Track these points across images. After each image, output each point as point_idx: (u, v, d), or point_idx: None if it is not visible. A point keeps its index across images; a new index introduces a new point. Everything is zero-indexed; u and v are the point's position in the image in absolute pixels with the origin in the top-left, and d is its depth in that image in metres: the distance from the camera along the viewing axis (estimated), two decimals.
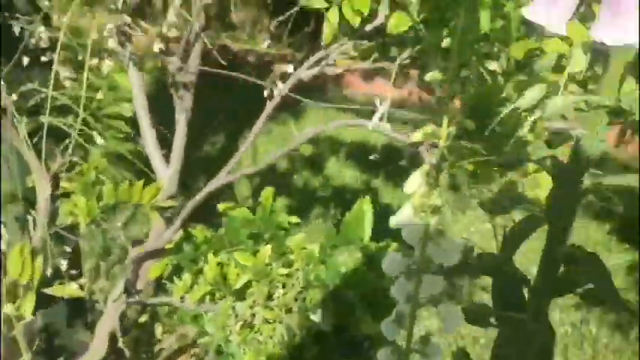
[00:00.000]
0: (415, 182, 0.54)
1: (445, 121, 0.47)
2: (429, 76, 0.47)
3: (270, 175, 2.57)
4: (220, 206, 1.10)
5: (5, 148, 1.31)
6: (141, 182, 1.04)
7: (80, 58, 1.21)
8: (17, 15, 1.19)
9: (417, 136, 0.52)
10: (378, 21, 0.93)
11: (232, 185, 2.34)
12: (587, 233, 2.44)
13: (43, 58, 1.26)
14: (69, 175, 1.16)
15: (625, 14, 0.38)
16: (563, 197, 0.56)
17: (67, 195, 1.24)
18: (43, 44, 1.22)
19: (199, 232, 1.19)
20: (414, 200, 0.52)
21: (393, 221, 0.54)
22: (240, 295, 1.09)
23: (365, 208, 1.14)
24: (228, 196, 1.68)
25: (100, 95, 1.27)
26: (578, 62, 0.53)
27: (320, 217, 2.51)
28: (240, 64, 2.93)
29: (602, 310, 2.05)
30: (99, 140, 1.07)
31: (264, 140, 2.81)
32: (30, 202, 1.32)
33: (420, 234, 0.52)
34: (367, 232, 1.13)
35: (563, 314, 2.08)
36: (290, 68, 0.97)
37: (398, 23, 0.90)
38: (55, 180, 1.30)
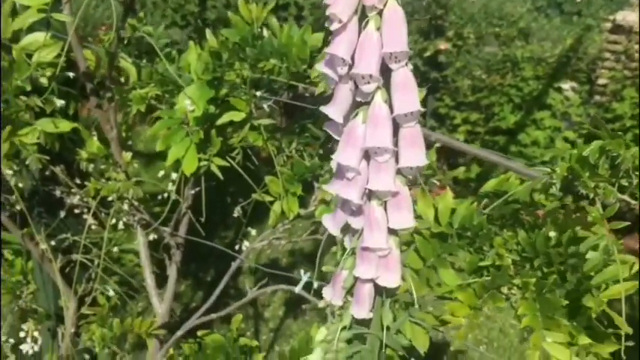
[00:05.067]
0: (323, 334, 0.91)
1: None
2: None
3: None
4: (199, 332, 1.48)
5: (44, 277, 1.71)
6: (140, 318, 1.43)
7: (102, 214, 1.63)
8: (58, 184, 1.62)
9: (324, 302, 0.88)
10: (310, 209, 1.33)
11: None
12: None
13: (76, 211, 1.68)
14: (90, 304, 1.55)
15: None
16: None
17: (86, 316, 1.63)
18: (77, 203, 1.64)
19: (187, 347, 1.57)
20: (321, 348, 0.88)
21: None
22: None
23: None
24: None
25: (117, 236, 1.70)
26: None
27: None
28: None
29: None
30: (111, 292, 1.46)
31: None
32: (60, 319, 1.71)
33: None
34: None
35: None
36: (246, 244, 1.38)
37: (322, 211, 1.30)
38: (81, 302, 1.69)
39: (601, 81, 4.31)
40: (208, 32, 1.18)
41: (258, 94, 1.22)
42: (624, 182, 0.84)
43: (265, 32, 1.16)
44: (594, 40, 4.30)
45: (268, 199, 1.33)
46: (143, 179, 1.48)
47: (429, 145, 1.26)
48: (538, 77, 4.05)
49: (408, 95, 0.63)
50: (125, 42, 1.39)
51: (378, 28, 0.62)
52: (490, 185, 1.15)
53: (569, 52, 4.17)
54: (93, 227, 1.70)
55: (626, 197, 0.85)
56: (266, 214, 1.37)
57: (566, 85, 4.12)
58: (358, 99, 0.66)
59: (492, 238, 1.04)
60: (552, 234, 0.99)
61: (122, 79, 1.44)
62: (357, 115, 0.66)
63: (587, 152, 0.81)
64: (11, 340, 1.74)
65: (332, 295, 0.80)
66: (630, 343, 0.91)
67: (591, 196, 0.85)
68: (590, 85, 4.24)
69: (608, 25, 4.74)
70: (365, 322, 0.84)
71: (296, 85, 1.22)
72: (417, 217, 1.11)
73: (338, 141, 0.69)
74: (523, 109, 4.05)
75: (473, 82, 4.21)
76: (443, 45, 4.19)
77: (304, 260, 3.63)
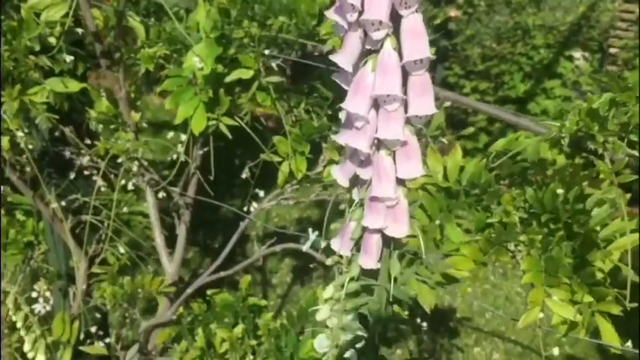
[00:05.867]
0: (330, 291, 0.92)
1: None
2: None
3: None
4: (209, 292, 1.50)
5: (55, 238, 1.73)
6: (151, 276, 1.45)
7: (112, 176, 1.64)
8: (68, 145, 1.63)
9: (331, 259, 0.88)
10: (317, 170, 1.34)
11: None
12: None
13: (85, 172, 1.69)
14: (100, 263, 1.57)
15: None
16: None
17: (97, 275, 1.65)
18: (86, 164, 1.65)
19: (197, 306, 1.59)
20: (328, 305, 0.89)
21: (317, 317, 0.91)
22: (223, 358, 1.48)
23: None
24: None
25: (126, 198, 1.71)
26: None
27: None
28: None
29: None
30: (121, 250, 1.48)
31: None
32: (71, 278, 1.74)
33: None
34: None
35: None
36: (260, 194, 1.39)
37: (330, 172, 1.30)
38: (91, 262, 1.71)
39: (613, 50, 4.26)
40: None
41: (266, 52, 1.21)
42: (634, 137, 0.84)
43: None
44: (607, 8, 4.23)
45: (276, 159, 1.33)
46: (152, 140, 1.49)
47: (437, 105, 1.26)
48: (549, 45, 4.01)
49: (418, 42, 0.63)
50: (133, 1, 1.39)
51: None
52: (499, 144, 1.15)
53: (582, 21, 4.11)
54: (102, 189, 1.71)
55: (635, 152, 0.85)
56: (274, 177, 1.37)
57: (578, 54, 4.08)
58: (367, 47, 0.66)
59: (500, 196, 1.04)
60: (560, 191, 0.99)
61: (129, 39, 1.44)
62: (366, 62, 0.66)
63: (597, 105, 0.80)
64: (23, 300, 1.77)
65: (340, 246, 0.81)
66: (635, 304, 0.91)
67: (600, 151, 0.85)
68: (602, 53, 4.19)
69: None
70: (372, 275, 0.85)
71: (305, 44, 1.21)
72: (428, 176, 1.12)
73: (346, 91, 0.69)
74: (533, 78, 4.01)
75: (483, 50, 4.17)
76: (453, 12, 4.14)
77: (312, 227, 3.65)
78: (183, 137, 1.52)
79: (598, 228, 0.97)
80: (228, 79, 1.19)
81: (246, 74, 1.18)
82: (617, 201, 0.84)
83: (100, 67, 1.45)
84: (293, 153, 1.30)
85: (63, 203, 1.64)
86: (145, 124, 1.48)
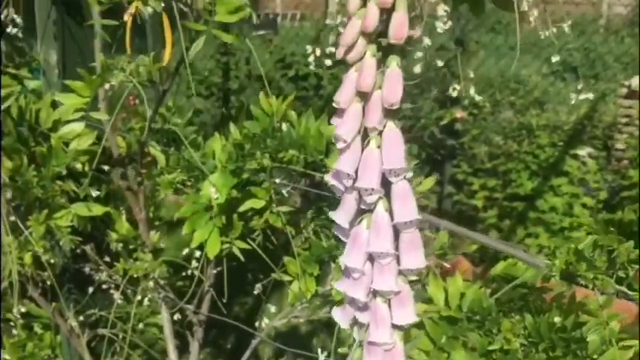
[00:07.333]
0: None
1: None
2: None
3: None
4: None
5: (71, 352, 1.77)
6: None
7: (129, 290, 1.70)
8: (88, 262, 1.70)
9: None
10: (326, 289, 1.39)
11: None
12: None
13: (103, 286, 1.76)
14: None
15: None
16: None
17: None
18: (105, 278, 1.71)
19: None
20: None
21: None
22: None
23: None
24: None
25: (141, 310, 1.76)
26: None
27: None
28: None
29: None
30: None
31: None
32: None
33: None
34: None
35: None
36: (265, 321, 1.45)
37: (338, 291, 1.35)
38: None
39: (619, 145, 4.37)
40: (232, 126, 1.28)
41: (277, 181, 1.30)
42: (621, 274, 0.90)
43: (284, 126, 1.25)
44: (609, 107, 4.38)
45: (287, 278, 1.39)
46: (168, 258, 1.56)
47: (438, 229, 1.33)
48: (554, 144, 4.12)
49: (407, 205, 0.70)
50: (154, 131, 1.50)
51: (379, 146, 0.70)
52: (498, 269, 1.21)
53: (584, 120, 4.24)
54: (119, 301, 1.77)
55: (623, 288, 0.90)
56: (285, 287, 1.42)
57: (583, 152, 4.18)
58: (362, 207, 0.73)
59: (500, 323, 1.08)
60: (557, 319, 1.03)
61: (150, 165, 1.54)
62: (361, 221, 0.73)
63: (583, 246, 0.86)
64: None
65: None
66: None
67: (590, 287, 0.90)
68: (607, 151, 4.29)
69: (624, 90, 4.84)
70: None
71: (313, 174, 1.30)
72: (429, 300, 1.17)
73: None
74: (540, 176, 4.10)
75: (490, 148, 4.29)
76: (459, 114, 4.29)
77: (320, 326, 3.65)
78: (198, 253, 1.59)
79: (595, 356, 1.01)
80: (241, 208, 1.27)
81: (258, 204, 1.26)
82: (606, 338, 0.88)
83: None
84: (302, 273, 1.36)
85: (81, 318, 1.69)
86: (162, 244, 1.55)
